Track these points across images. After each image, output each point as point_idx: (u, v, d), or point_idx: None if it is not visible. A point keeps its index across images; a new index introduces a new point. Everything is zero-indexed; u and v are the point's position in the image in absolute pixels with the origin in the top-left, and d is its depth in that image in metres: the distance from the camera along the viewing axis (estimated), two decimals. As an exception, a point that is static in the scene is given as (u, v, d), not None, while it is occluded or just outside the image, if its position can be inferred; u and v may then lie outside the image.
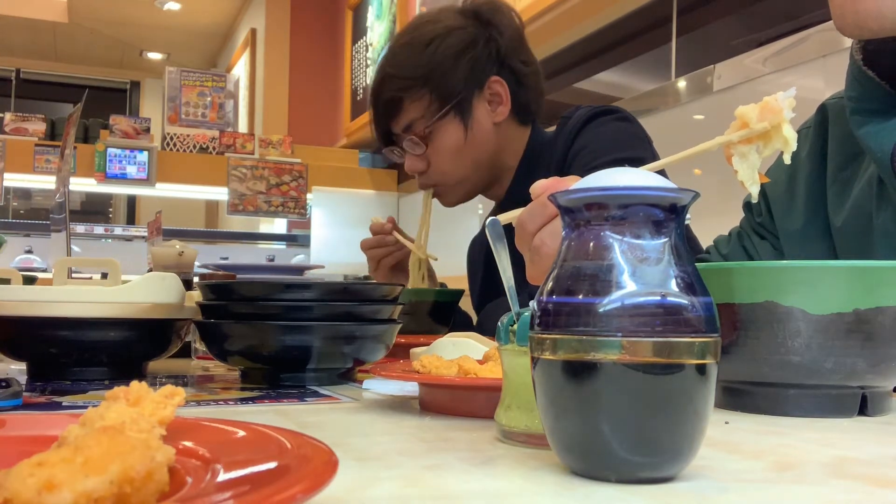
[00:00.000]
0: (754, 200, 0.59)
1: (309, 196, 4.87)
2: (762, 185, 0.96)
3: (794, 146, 0.54)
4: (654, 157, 1.23)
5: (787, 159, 0.55)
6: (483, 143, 1.30)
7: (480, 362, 0.65)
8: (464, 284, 1.55)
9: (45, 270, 4.10)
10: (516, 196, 1.28)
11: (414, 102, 1.28)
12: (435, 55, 1.26)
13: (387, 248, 1.42)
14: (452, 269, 1.58)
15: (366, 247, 1.44)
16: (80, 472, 0.26)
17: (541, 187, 0.70)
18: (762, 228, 0.98)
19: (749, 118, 0.55)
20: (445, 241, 1.58)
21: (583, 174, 0.69)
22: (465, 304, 1.52)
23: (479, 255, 1.48)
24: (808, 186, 0.92)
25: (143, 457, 0.28)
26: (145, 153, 4.60)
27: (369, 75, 4.79)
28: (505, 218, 0.72)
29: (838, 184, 0.89)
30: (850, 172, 0.88)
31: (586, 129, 1.26)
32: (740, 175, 0.56)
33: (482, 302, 1.47)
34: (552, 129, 1.36)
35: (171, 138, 4.82)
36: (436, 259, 1.41)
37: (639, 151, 1.20)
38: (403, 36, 1.32)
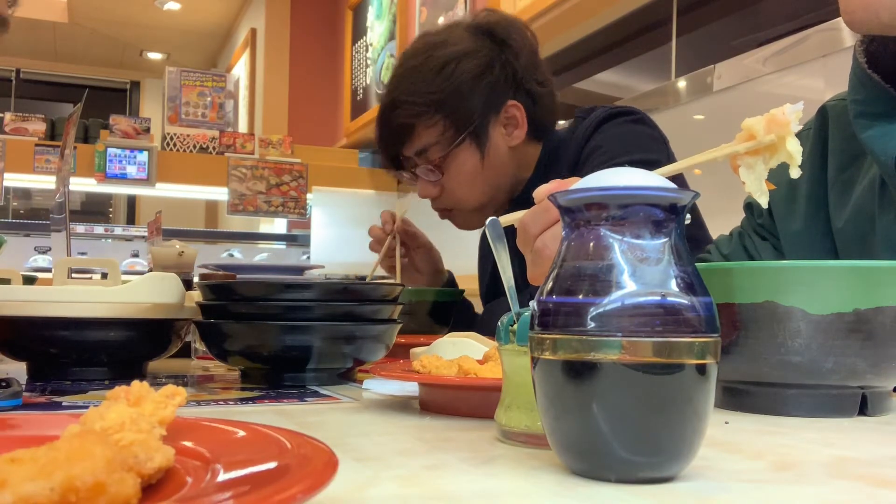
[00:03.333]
0: (765, 207, 0.59)
1: (309, 196, 4.87)
2: None
3: (798, 160, 0.54)
4: (670, 159, 1.21)
5: (795, 173, 0.55)
6: (499, 167, 1.26)
7: (480, 362, 0.65)
8: (466, 283, 1.55)
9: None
10: (530, 197, 1.28)
11: (427, 129, 1.23)
12: (450, 81, 1.21)
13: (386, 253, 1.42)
14: (456, 270, 1.58)
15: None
16: (31, 474, 0.25)
17: (543, 191, 0.70)
18: (763, 229, 0.98)
19: (756, 130, 0.55)
20: (447, 241, 1.58)
21: None
22: (474, 297, 1.52)
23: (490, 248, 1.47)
24: (809, 188, 0.92)
25: (93, 467, 0.27)
26: (145, 153, 4.60)
27: (369, 75, 4.79)
28: (506, 220, 0.72)
29: (839, 185, 0.89)
30: (851, 174, 0.88)
31: (601, 129, 1.24)
32: (748, 186, 0.56)
33: (489, 294, 1.46)
34: (565, 124, 1.35)
35: (171, 138, 4.82)
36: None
37: (653, 154, 1.18)
38: (413, 59, 1.26)
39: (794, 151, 0.54)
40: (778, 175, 0.95)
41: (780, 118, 0.54)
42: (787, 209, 0.94)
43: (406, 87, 1.24)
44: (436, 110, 1.22)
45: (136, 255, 4.59)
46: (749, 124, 0.55)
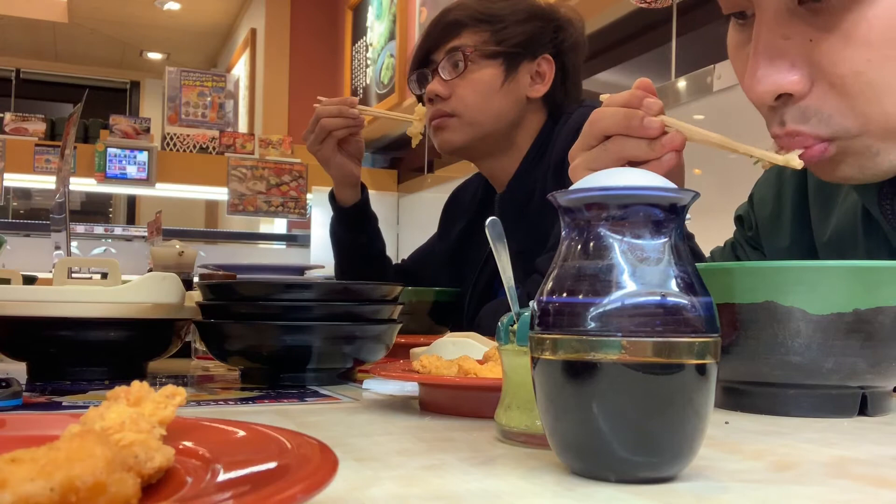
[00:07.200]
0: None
1: (309, 196, 4.87)
2: (751, 201, 0.97)
3: None
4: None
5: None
6: (510, 104, 1.31)
7: (480, 362, 0.65)
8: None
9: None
10: (522, 183, 1.28)
11: (473, 33, 1.31)
12: (505, 8, 1.32)
13: (345, 119, 1.38)
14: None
15: (323, 114, 1.38)
16: (31, 474, 0.25)
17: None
18: (753, 241, 0.99)
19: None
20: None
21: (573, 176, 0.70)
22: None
23: (470, 203, 1.47)
24: (794, 204, 0.92)
25: (93, 467, 0.27)
26: (145, 153, 4.61)
27: (369, 75, 4.79)
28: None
29: (821, 198, 0.88)
30: (831, 188, 0.87)
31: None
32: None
33: (454, 255, 1.46)
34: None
35: (171, 138, 4.83)
36: (421, 135, 1.43)
37: None
38: None
39: None
40: (764, 191, 0.95)
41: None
42: (774, 226, 0.94)
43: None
44: (489, 23, 1.30)
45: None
46: None
